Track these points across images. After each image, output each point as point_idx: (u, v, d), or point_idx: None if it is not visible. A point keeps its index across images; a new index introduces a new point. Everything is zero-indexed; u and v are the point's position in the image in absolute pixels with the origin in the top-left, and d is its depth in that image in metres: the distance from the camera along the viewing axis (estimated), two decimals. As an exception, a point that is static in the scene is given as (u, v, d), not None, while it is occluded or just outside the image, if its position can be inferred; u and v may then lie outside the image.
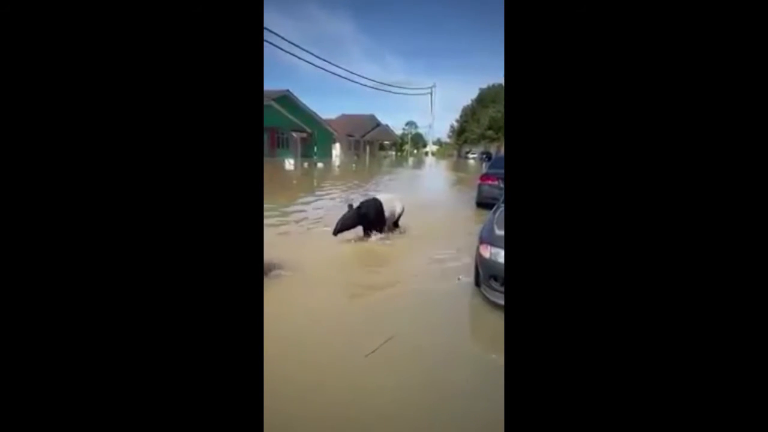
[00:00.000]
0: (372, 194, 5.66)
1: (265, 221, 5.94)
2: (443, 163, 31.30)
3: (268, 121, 21.21)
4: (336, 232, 4.66)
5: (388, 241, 5.10)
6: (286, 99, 23.25)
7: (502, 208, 3.45)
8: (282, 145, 23.21)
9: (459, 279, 3.64)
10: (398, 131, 46.86)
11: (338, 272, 3.96)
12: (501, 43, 0.80)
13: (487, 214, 4.10)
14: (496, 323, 2.58)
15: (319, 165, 20.35)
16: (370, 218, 4.97)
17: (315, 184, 12.64)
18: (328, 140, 27.77)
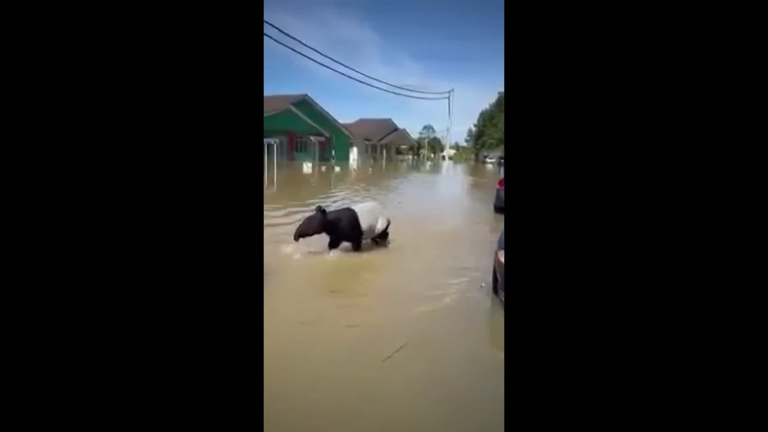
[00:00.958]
0: (387, 196, 5.60)
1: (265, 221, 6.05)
2: (460, 167, 31.08)
3: (286, 125, 21.61)
4: (297, 236, 4.20)
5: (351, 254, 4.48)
6: (305, 103, 23.65)
7: None
8: (300, 148, 23.58)
9: (482, 286, 3.34)
10: (415, 135, 46.86)
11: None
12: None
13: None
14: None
15: (336, 168, 20.57)
16: (339, 228, 4.44)
17: (331, 186, 12.81)
18: (345, 144, 28.04)
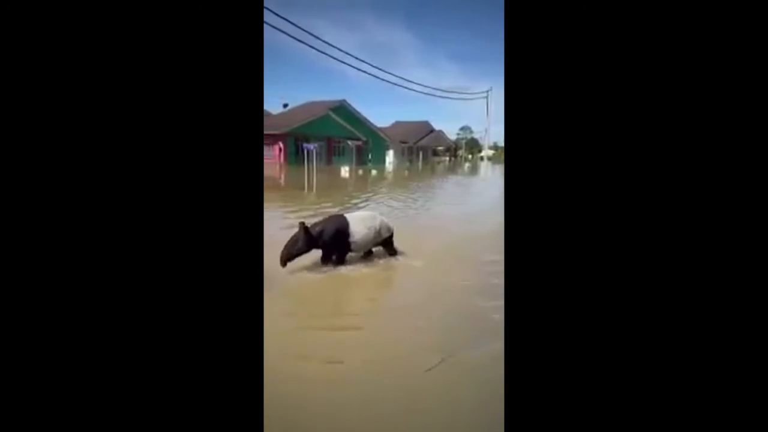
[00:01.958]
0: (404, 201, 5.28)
1: (283, 220, 6.26)
2: (499, 168, 30.37)
3: (325, 130, 22.33)
4: (283, 261, 3.61)
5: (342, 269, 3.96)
6: (342, 109, 24.33)
7: None
8: (338, 153, 24.25)
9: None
10: (453, 136, 46.37)
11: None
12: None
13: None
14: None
15: (373, 172, 20.94)
16: (327, 242, 3.91)
17: (366, 188, 13.15)
18: (381, 147, 28.41)
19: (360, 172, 19.89)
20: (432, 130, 37.09)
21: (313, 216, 6.63)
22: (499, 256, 3.62)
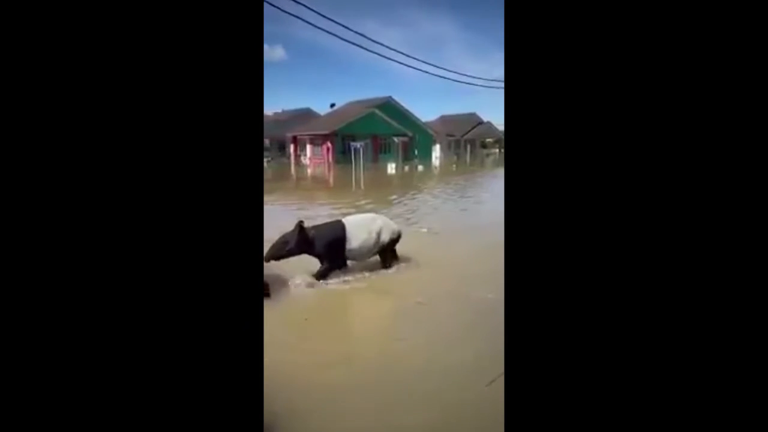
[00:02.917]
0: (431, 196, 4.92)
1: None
2: (553, 159, 28.52)
3: (370, 128, 22.58)
4: (267, 258, 3.32)
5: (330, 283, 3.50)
6: (388, 106, 24.44)
7: None
8: (384, 150, 24.42)
9: None
10: (502, 127, 44.59)
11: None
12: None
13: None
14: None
15: (419, 167, 20.80)
16: (320, 251, 3.53)
17: (412, 185, 13.11)
18: (428, 142, 28.14)
19: (406, 168, 19.87)
20: (480, 122, 35.99)
21: (355, 212, 6.78)
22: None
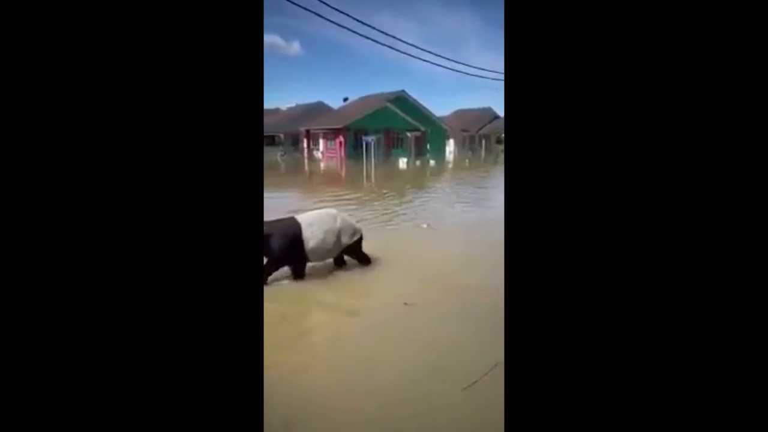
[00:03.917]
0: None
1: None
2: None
3: (383, 122, 22.48)
4: None
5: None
6: (401, 100, 24.24)
7: None
8: (397, 145, 24.31)
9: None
10: (518, 123, 43.60)
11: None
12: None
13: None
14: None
15: (431, 162, 20.65)
16: (275, 251, 3.28)
17: (423, 181, 13.03)
18: (441, 137, 27.86)
19: (418, 163, 19.74)
20: (496, 117, 35.44)
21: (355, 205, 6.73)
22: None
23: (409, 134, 23.43)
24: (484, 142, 33.07)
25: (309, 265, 3.51)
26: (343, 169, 17.32)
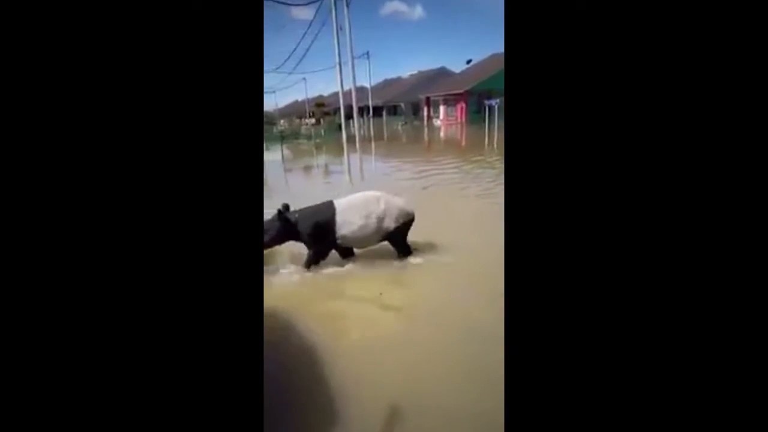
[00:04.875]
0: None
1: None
2: None
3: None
4: None
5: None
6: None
7: None
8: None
9: None
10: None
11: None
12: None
13: None
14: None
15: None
16: (305, 236, 3.11)
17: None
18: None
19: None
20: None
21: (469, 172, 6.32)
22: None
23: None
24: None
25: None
26: (463, 135, 16.66)
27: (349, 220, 3.09)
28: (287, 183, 8.28)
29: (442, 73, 31.32)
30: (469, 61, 27.33)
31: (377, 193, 3.27)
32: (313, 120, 25.26)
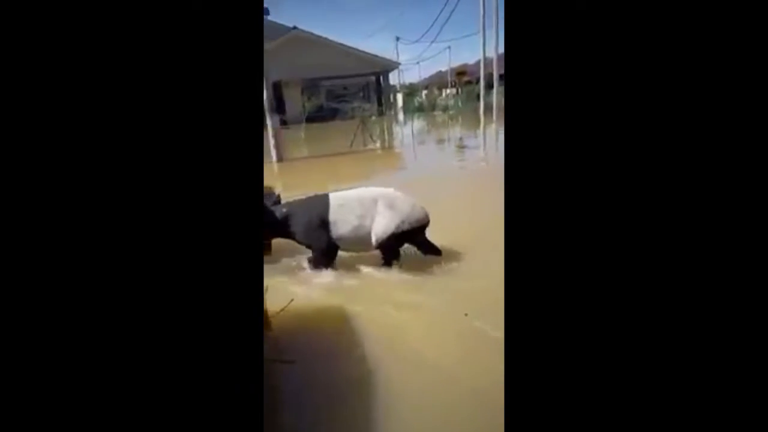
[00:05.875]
0: None
1: None
2: None
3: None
4: None
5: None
6: None
7: None
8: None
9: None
10: None
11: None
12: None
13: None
14: None
15: None
16: (296, 233, 2.66)
17: None
18: None
19: None
20: None
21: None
22: None
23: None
24: None
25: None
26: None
27: (344, 219, 2.61)
28: (416, 157, 8.61)
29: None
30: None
31: (375, 191, 2.73)
32: (453, 90, 24.76)
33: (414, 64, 36.36)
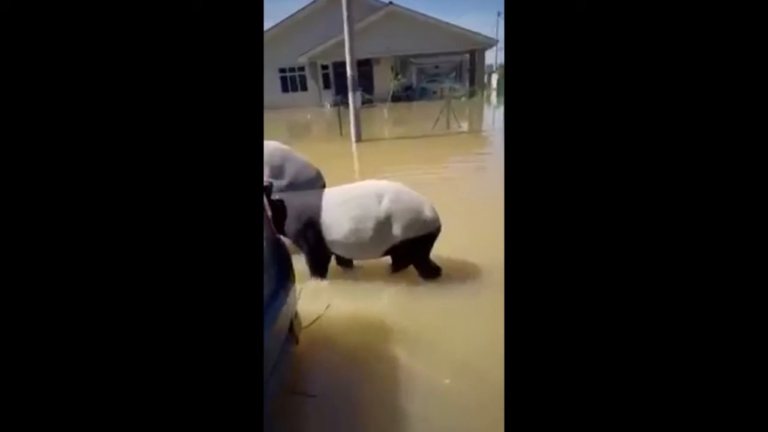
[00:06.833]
0: None
1: None
2: None
3: None
4: None
5: None
6: None
7: None
8: None
9: None
10: None
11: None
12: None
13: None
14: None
15: None
16: (289, 227, 2.28)
17: None
18: None
19: None
20: None
21: None
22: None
23: None
24: None
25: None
26: None
27: (339, 221, 2.18)
28: (502, 142, 7.90)
29: None
30: None
31: (381, 186, 2.24)
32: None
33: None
